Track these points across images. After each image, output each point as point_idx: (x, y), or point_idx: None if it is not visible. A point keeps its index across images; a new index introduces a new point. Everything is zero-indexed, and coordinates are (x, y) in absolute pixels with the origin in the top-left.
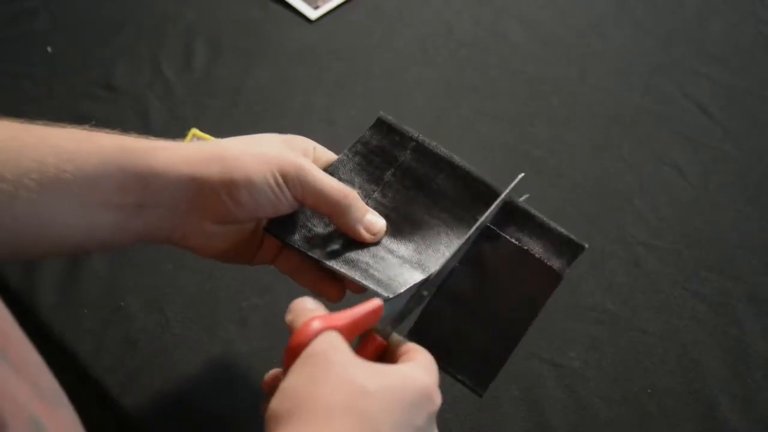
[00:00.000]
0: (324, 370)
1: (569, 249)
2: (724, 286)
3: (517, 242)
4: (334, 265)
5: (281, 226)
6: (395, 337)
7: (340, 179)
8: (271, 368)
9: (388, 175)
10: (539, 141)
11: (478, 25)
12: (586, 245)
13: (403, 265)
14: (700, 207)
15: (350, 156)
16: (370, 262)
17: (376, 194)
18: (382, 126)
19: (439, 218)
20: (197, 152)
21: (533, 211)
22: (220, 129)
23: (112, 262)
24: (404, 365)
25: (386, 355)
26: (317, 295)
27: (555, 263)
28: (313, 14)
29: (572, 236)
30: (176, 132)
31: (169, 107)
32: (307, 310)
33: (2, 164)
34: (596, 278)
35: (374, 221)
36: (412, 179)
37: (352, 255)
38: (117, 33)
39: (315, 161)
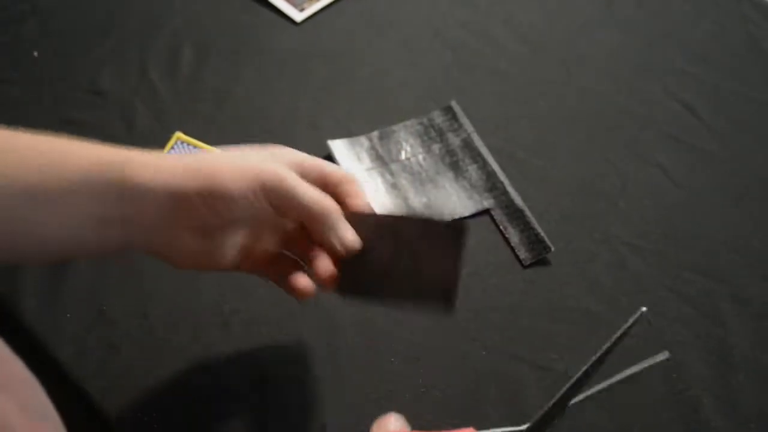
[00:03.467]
0: None
1: (539, 247)
2: (708, 286)
3: (503, 229)
4: None
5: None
6: None
7: (399, 137)
8: (253, 371)
9: (436, 147)
10: (524, 143)
11: (465, 27)
12: (553, 248)
13: None
14: (685, 208)
15: (414, 123)
16: None
17: (420, 156)
18: (449, 111)
19: (456, 190)
20: (177, 165)
21: (527, 210)
22: (206, 133)
23: (95, 266)
24: None
25: None
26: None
27: (523, 254)
28: (298, 17)
29: (545, 238)
30: (162, 136)
31: (155, 112)
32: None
33: None
34: (579, 279)
35: (350, 237)
36: (451, 159)
37: None
38: (104, 38)
39: (305, 174)
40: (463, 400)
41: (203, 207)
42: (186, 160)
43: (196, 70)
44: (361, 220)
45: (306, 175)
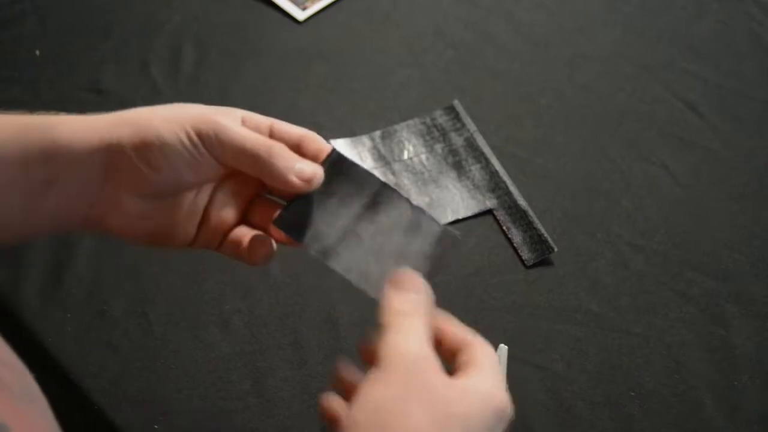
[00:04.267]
0: (418, 391)
1: (541, 248)
2: (710, 286)
3: (506, 229)
4: (352, 279)
5: (292, 223)
6: (451, 330)
7: (401, 137)
8: (253, 371)
9: (438, 147)
10: (526, 142)
11: (466, 26)
12: (556, 249)
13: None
14: (688, 207)
15: (417, 123)
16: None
17: (423, 156)
18: (452, 111)
19: (459, 190)
20: (104, 119)
21: (530, 211)
22: None
23: (95, 266)
24: (479, 382)
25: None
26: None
27: (526, 255)
28: (300, 15)
29: (548, 238)
30: None
31: None
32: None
33: None
34: (581, 279)
35: (304, 168)
36: (454, 159)
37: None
38: (105, 37)
39: (255, 130)
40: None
41: (137, 158)
42: (116, 114)
43: (198, 69)
44: (342, 165)
45: (256, 131)
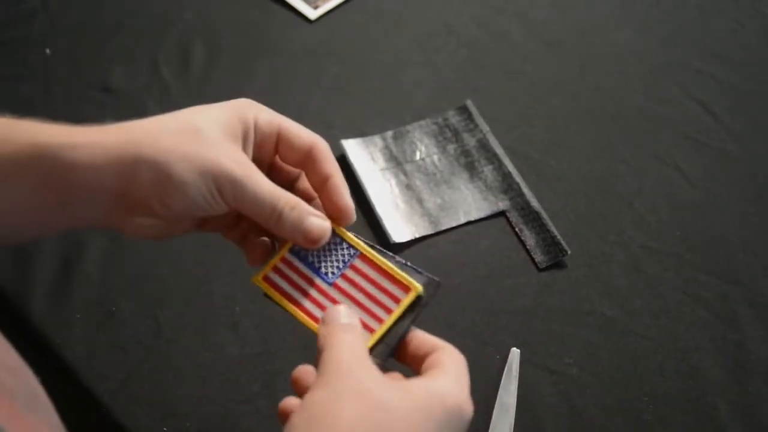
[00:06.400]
0: (348, 389)
1: (554, 250)
2: (724, 290)
3: (518, 231)
4: None
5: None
6: (420, 335)
7: (413, 137)
8: (262, 374)
9: (451, 148)
10: (539, 142)
11: (479, 25)
12: (569, 251)
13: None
14: (702, 209)
15: (429, 123)
16: None
17: (435, 156)
18: (464, 111)
19: (471, 191)
20: (119, 147)
21: (543, 213)
22: None
23: (105, 267)
24: (433, 380)
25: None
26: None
27: (539, 257)
28: (312, 14)
29: (561, 241)
30: None
31: (166, 109)
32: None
33: None
34: (594, 282)
35: (312, 230)
36: (466, 159)
37: None
38: (115, 35)
39: (263, 140)
40: (476, 404)
41: (155, 201)
42: (135, 146)
43: (208, 68)
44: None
45: (264, 140)
